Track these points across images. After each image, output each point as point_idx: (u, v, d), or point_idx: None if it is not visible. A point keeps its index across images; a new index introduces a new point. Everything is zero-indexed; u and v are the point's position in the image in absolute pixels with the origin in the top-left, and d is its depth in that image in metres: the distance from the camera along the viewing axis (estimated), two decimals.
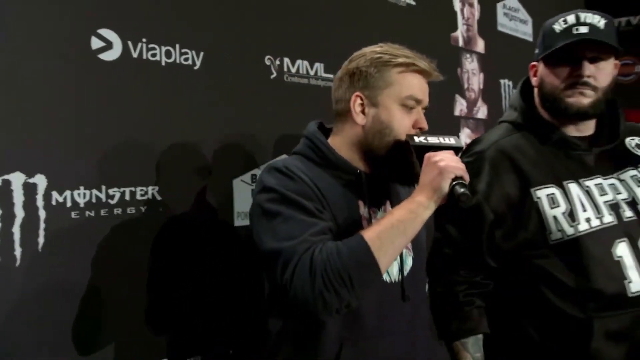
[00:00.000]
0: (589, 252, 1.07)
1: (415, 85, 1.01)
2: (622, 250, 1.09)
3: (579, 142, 1.15)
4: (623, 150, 1.18)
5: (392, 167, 1.01)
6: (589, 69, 1.12)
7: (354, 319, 0.96)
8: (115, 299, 1.12)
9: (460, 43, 2.12)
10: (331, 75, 1.50)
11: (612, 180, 1.14)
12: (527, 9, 2.56)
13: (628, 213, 1.11)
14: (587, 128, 1.17)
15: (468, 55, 2.16)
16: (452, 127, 2.10)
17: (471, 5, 2.18)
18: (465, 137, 2.12)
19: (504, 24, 2.40)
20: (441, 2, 2.07)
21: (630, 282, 1.07)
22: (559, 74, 1.14)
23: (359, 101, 1.00)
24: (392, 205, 1.06)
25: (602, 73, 1.13)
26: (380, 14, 1.78)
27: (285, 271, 0.88)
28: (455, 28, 2.11)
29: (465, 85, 2.14)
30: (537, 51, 1.20)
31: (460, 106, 2.10)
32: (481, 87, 2.22)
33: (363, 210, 1.00)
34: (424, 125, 1.03)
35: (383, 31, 1.61)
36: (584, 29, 1.14)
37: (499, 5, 2.37)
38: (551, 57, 1.14)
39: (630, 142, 1.19)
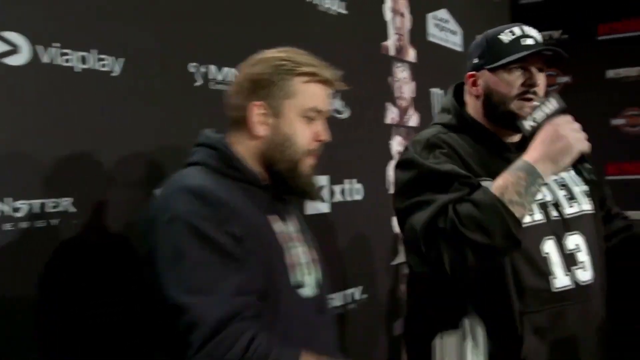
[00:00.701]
0: (520, 247, 1.12)
1: (319, 96, 0.99)
2: (549, 247, 1.16)
3: (511, 147, 1.23)
4: None
5: (291, 181, 0.99)
6: (540, 78, 1.22)
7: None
8: (20, 319, 1.05)
9: (392, 52, 2.15)
10: None
11: None
12: (457, 21, 2.65)
13: (554, 213, 1.19)
14: (516, 135, 1.24)
15: (399, 64, 2.20)
16: (383, 135, 2.13)
17: (402, 15, 2.23)
18: (396, 144, 2.16)
19: (435, 34, 2.47)
20: (372, 12, 2.10)
21: (555, 277, 1.15)
22: (510, 83, 1.20)
23: (260, 111, 0.96)
24: (297, 220, 1.07)
25: (543, 84, 1.23)
26: (311, 22, 1.79)
27: (193, 338, 0.80)
28: (386, 37, 2.15)
29: (397, 94, 2.18)
30: (477, 61, 1.24)
31: (391, 114, 2.14)
32: (413, 95, 2.27)
33: (277, 225, 0.99)
34: (325, 136, 1.01)
35: (314, 39, 1.61)
36: (530, 41, 1.22)
37: (430, 16, 2.43)
38: (501, 67, 1.20)
39: None
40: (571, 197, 1.24)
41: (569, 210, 1.22)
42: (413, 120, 2.27)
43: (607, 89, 3.48)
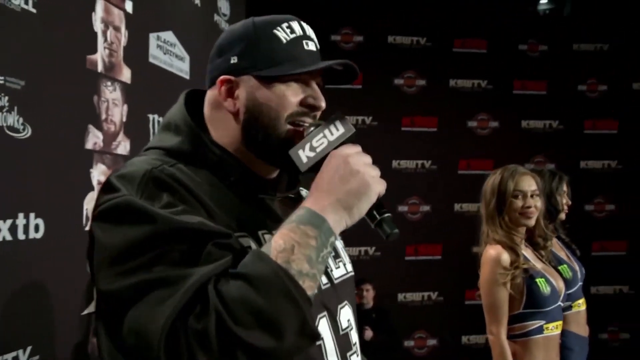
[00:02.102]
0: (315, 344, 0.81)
1: None
2: (323, 328, 0.88)
3: (266, 185, 0.94)
4: (299, 199, 0.98)
5: None
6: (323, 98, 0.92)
7: None
8: None
9: (100, 68, 1.88)
10: None
11: None
12: (185, 46, 2.51)
13: (323, 278, 0.90)
14: (275, 170, 0.96)
15: (109, 83, 1.93)
16: (83, 162, 1.82)
17: (117, 29, 1.98)
18: (98, 174, 1.87)
19: (157, 56, 2.28)
20: (76, 19, 1.80)
21: None
22: (284, 99, 0.88)
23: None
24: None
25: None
26: None
27: None
28: (94, 50, 1.87)
29: (104, 116, 1.91)
30: (235, 60, 0.89)
31: (94, 139, 1.85)
32: (124, 120, 2.02)
33: None
34: None
35: None
36: (312, 46, 0.92)
37: (152, 36, 2.24)
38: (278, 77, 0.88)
39: (302, 191, 1.03)
40: (336, 254, 0.98)
41: (337, 272, 0.96)
42: (123, 147, 2.02)
43: (456, 97, 4.56)
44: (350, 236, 0.95)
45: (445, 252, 4.49)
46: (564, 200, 2.51)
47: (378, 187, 0.81)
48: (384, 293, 4.18)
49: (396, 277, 4.48)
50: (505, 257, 2.07)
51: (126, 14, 2.05)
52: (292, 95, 0.89)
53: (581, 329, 2.39)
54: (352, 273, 1.00)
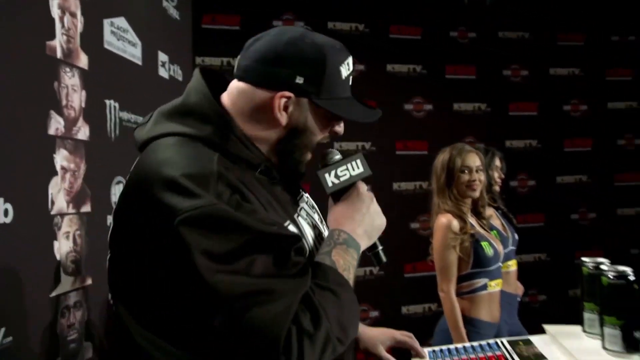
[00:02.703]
0: None
1: None
2: None
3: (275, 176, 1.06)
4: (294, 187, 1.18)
5: None
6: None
7: None
8: None
9: (59, 54, 1.90)
10: None
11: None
12: (137, 33, 2.54)
13: None
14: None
15: (68, 69, 1.95)
16: (46, 147, 1.85)
17: (73, 15, 1.99)
18: (62, 159, 1.90)
19: (112, 43, 2.30)
20: (34, 4, 1.81)
21: None
22: (324, 127, 1.04)
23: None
24: None
25: None
26: None
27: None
28: (53, 36, 1.88)
29: (64, 102, 1.93)
30: (301, 82, 0.97)
31: (56, 124, 1.88)
32: (83, 105, 2.05)
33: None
34: None
35: None
36: (351, 79, 1.07)
37: (106, 22, 2.26)
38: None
39: None
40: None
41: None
42: (83, 132, 2.05)
43: (393, 82, 4.79)
44: None
45: (385, 229, 4.74)
46: (496, 174, 2.80)
47: (383, 228, 1.07)
48: None
49: None
50: (455, 224, 2.34)
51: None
52: (328, 126, 1.07)
53: (510, 287, 2.70)
54: None
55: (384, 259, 1.07)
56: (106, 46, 2.27)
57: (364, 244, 1.04)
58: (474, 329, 2.21)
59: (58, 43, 1.90)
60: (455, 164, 2.42)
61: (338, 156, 1.09)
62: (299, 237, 0.95)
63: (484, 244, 2.37)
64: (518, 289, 2.78)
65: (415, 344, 1.43)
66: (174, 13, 3.24)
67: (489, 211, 2.77)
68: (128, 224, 0.94)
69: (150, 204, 0.87)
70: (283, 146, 1.04)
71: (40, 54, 1.83)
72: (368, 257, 1.10)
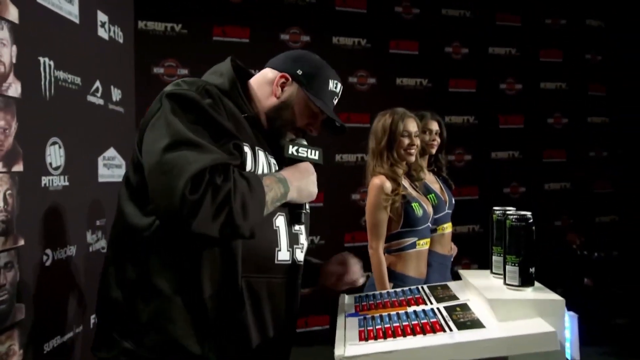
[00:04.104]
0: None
1: None
2: (280, 221, 1.32)
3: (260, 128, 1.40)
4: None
5: None
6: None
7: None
8: None
9: None
10: None
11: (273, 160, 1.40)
12: None
13: None
14: None
15: None
16: None
17: None
18: None
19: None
20: None
21: (279, 250, 1.31)
22: (304, 114, 1.39)
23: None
24: None
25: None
26: None
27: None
28: None
29: None
30: (300, 73, 1.38)
31: None
32: (14, 61, 1.97)
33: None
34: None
35: None
36: (335, 101, 1.46)
37: None
38: (312, 100, 1.37)
39: None
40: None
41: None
42: (14, 89, 1.98)
43: (338, 54, 4.83)
44: None
45: (326, 200, 4.84)
46: (428, 137, 2.88)
47: (313, 198, 1.37)
48: None
49: None
50: (388, 186, 2.44)
51: None
52: (308, 116, 1.41)
53: (444, 249, 2.84)
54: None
55: (302, 220, 1.35)
56: (40, 1, 2.18)
57: (293, 195, 1.30)
58: (401, 283, 2.33)
59: None
60: (398, 128, 2.51)
61: (304, 142, 1.42)
62: (240, 139, 1.24)
63: (414, 205, 2.48)
64: (452, 249, 2.93)
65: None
66: None
67: (429, 176, 2.90)
68: (145, 115, 1.28)
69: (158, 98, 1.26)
70: (272, 113, 1.40)
71: None
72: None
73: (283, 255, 1.32)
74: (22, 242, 2.03)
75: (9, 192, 1.96)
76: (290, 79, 1.40)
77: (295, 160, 1.36)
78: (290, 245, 1.34)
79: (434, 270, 2.64)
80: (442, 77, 5.33)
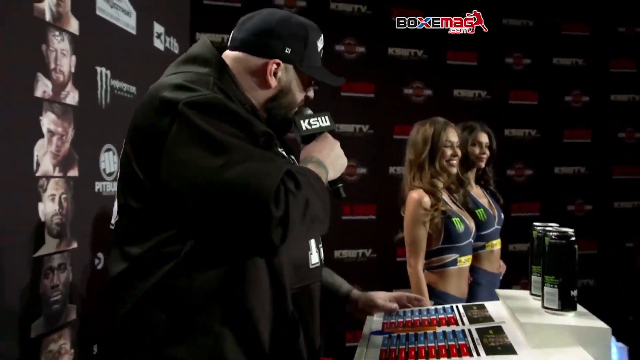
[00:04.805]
0: None
1: None
2: None
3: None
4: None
5: None
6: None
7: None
8: None
9: (48, 17, 1.91)
10: None
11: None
12: (131, 2, 2.54)
13: None
14: None
15: (57, 33, 1.96)
16: (31, 109, 1.86)
17: None
18: (48, 122, 1.92)
19: (104, 10, 2.30)
20: None
21: (311, 253, 1.24)
22: (302, 89, 1.29)
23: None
24: None
25: None
26: None
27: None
28: None
29: (52, 66, 1.94)
30: (289, 51, 1.23)
31: (43, 87, 1.89)
32: (72, 70, 2.06)
33: None
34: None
35: None
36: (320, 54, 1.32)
37: None
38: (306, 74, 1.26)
39: None
40: None
41: None
42: (72, 97, 2.06)
43: (393, 65, 4.81)
44: None
45: (379, 213, 4.75)
46: (478, 150, 2.76)
47: (345, 167, 1.27)
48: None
49: (333, 235, 4.69)
50: (426, 200, 2.34)
51: None
52: (305, 88, 1.30)
53: (493, 266, 2.70)
54: None
55: (343, 194, 1.26)
56: (98, 13, 2.27)
57: (331, 173, 1.21)
58: (442, 302, 2.22)
59: (47, 5, 1.90)
60: (440, 138, 2.41)
61: (310, 111, 1.31)
62: (273, 136, 1.15)
63: (455, 220, 2.37)
64: (501, 267, 2.78)
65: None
66: None
67: (477, 190, 2.77)
68: (137, 129, 1.14)
69: (157, 101, 1.08)
70: (271, 104, 1.25)
71: (28, 15, 1.83)
72: None
73: (314, 258, 1.25)
74: (75, 245, 2.09)
75: (64, 196, 2.03)
76: (282, 63, 1.23)
77: (311, 135, 1.26)
78: (317, 245, 1.27)
79: (482, 289, 2.51)
80: (502, 89, 5.14)
